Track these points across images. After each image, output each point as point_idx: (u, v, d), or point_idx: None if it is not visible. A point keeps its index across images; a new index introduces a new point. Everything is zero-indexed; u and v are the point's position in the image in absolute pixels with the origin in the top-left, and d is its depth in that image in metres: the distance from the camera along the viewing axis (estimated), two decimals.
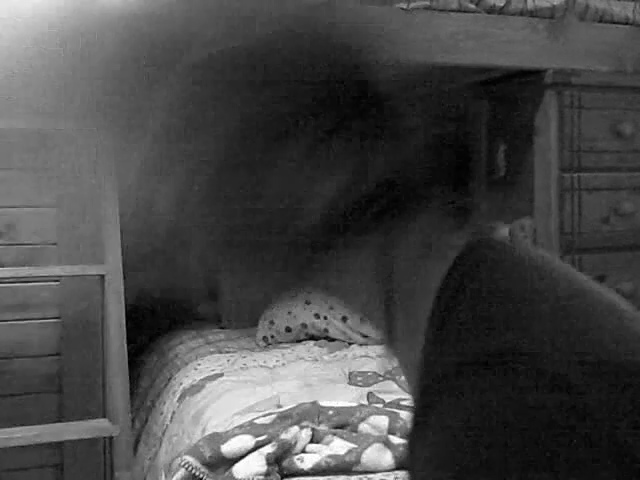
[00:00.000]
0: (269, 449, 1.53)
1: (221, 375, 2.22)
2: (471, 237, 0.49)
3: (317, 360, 2.39)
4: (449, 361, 0.43)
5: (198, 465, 1.54)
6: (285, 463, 1.53)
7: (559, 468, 0.36)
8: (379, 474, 1.50)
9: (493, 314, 0.44)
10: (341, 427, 1.67)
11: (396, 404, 1.79)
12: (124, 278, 1.99)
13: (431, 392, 0.43)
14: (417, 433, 0.44)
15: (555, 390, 0.39)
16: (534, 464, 0.37)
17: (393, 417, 1.65)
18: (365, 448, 1.53)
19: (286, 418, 1.65)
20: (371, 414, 1.69)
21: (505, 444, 0.38)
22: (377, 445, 1.54)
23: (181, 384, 2.28)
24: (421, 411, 0.43)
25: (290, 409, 1.71)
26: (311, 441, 1.62)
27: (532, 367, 0.40)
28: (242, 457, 1.54)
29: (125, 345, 1.94)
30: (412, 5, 2.24)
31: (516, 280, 0.47)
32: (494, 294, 0.45)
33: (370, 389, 2.02)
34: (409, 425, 0.45)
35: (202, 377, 2.24)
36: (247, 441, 1.57)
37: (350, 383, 2.13)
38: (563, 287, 0.47)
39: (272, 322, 2.65)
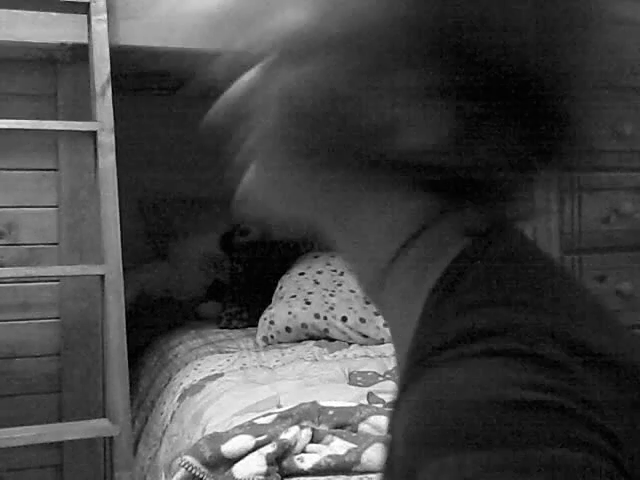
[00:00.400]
0: (269, 449, 1.53)
1: (221, 375, 2.22)
2: (487, 225, 0.50)
3: (317, 360, 2.39)
4: (443, 336, 0.44)
5: (198, 465, 1.54)
6: (285, 463, 1.53)
7: (533, 447, 0.36)
8: (379, 474, 1.49)
9: (492, 295, 0.45)
10: (341, 427, 1.67)
11: None
12: (124, 278, 1.99)
13: (419, 366, 0.43)
14: (398, 404, 0.44)
15: (545, 371, 0.39)
16: (512, 442, 0.37)
17: None
18: (365, 448, 1.53)
19: (286, 418, 1.65)
20: (371, 414, 1.69)
21: (485, 419, 0.38)
22: (377, 445, 1.54)
23: (181, 384, 2.28)
24: (405, 384, 0.44)
25: (290, 409, 1.71)
26: (311, 441, 1.62)
27: (519, 348, 0.41)
28: (242, 457, 1.54)
29: (125, 345, 1.94)
30: None
31: (518, 267, 0.48)
32: (496, 278, 0.46)
33: (370, 389, 2.02)
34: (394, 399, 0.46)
35: (202, 377, 2.24)
36: (247, 441, 1.57)
37: (350, 383, 2.13)
38: (559, 280, 0.49)
39: (272, 322, 2.65)
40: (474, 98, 0.45)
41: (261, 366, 2.33)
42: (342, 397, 1.91)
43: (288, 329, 2.63)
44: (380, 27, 0.45)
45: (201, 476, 1.53)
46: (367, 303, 2.64)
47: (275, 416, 1.68)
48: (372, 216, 0.51)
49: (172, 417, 2.18)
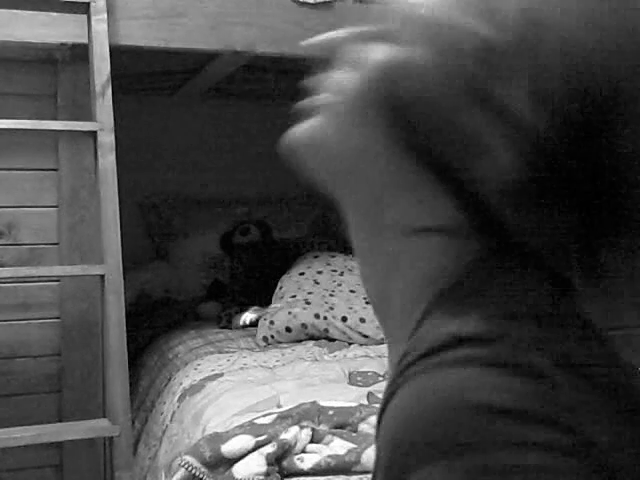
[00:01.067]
0: (269, 449, 1.53)
1: (221, 375, 2.22)
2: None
3: (317, 360, 2.39)
4: (431, 341, 0.44)
5: (198, 465, 1.54)
6: (285, 463, 1.53)
7: (510, 451, 0.37)
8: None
9: (485, 301, 0.45)
10: (341, 427, 1.67)
11: None
12: (124, 278, 1.99)
13: (407, 371, 0.43)
14: (385, 409, 0.44)
15: (529, 381, 0.39)
16: (494, 448, 0.37)
17: None
18: (365, 448, 1.53)
19: (286, 418, 1.65)
20: (371, 414, 1.69)
21: (468, 426, 0.38)
22: None
23: (181, 384, 2.28)
24: (393, 391, 0.44)
25: (290, 409, 1.71)
26: (311, 441, 1.62)
27: (506, 356, 0.41)
28: (242, 457, 1.54)
29: (125, 345, 1.94)
30: None
31: (517, 279, 0.48)
32: (492, 287, 0.47)
33: (370, 389, 2.02)
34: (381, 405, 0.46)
35: (202, 377, 2.24)
36: (247, 441, 1.57)
37: (350, 383, 2.13)
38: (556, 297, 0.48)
39: (272, 322, 2.65)
40: (562, 167, 0.45)
41: (261, 366, 2.33)
42: (342, 397, 1.91)
43: (288, 329, 2.63)
44: (515, 44, 0.44)
45: (201, 476, 1.53)
46: (367, 303, 2.64)
47: (275, 416, 1.68)
48: (408, 208, 0.51)
49: (172, 417, 2.18)
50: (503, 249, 0.49)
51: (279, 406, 1.88)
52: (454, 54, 0.46)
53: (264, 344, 2.62)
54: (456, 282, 0.48)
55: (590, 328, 0.46)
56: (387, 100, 0.49)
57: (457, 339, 0.42)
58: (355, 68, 0.51)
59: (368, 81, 0.49)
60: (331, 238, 3.32)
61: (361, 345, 2.56)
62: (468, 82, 0.45)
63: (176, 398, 2.23)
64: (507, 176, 0.45)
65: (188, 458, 1.56)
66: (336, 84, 0.52)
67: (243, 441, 1.57)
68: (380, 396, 1.92)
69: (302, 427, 1.62)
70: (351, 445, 1.57)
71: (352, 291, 2.71)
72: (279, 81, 3.02)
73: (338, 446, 1.58)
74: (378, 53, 0.49)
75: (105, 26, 1.98)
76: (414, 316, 0.49)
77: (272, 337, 2.63)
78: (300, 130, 0.54)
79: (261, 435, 1.58)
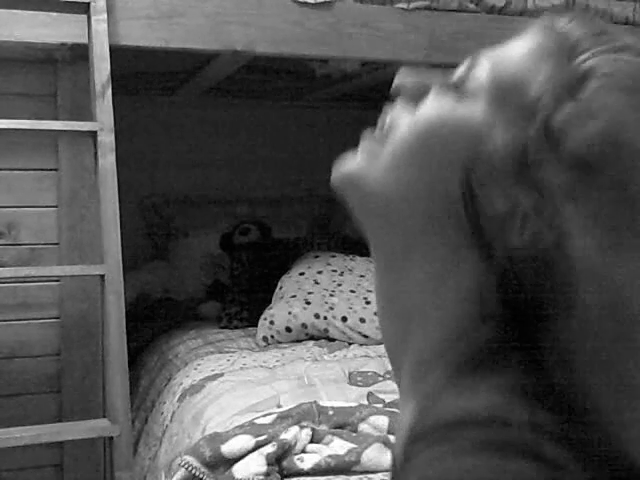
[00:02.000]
0: (269, 449, 1.53)
1: (221, 375, 2.22)
2: None
3: (317, 360, 2.39)
4: (440, 415, 0.43)
5: (198, 465, 1.54)
6: (285, 463, 1.53)
7: None
8: (379, 474, 1.50)
9: (492, 380, 0.45)
10: (341, 427, 1.67)
11: (396, 404, 1.79)
12: (124, 278, 1.98)
13: (416, 444, 0.43)
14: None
15: (539, 467, 0.39)
16: None
17: (393, 417, 1.66)
18: (365, 448, 1.53)
19: (286, 418, 1.65)
20: (371, 414, 1.69)
21: None
22: (377, 445, 1.54)
23: (181, 384, 2.28)
24: (402, 461, 0.44)
25: (290, 409, 1.71)
26: (311, 441, 1.62)
27: (514, 441, 0.40)
28: (242, 457, 1.54)
29: (125, 345, 1.93)
30: (412, 5, 2.24)
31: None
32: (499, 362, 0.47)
33: (370, 389, 2.02)
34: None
35: (202, 377, 2.24)
36: (247, 441, 1.57)
37: (350, 383, 2.13)
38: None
39: (272, 322, 2.65)
40: None
41: (261, 366, 2.33)
42: (342, 397, 1.91)
43: (288, 329, 2.63)
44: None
45: (201, 476, 1.53)
46: (367, 303, 2.64)
47: (275, 416, 1.68)
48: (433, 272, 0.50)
49: (172, 417, 2.18)
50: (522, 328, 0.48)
51: (279, 406, 1.88)
52: (514, 121, 0.46)
53: (264, 344, 2.62)
54: (472, 352, 0.47)
55: (596, 413, 0.45)
56: (434, 153, 0.49)
57: (467, 419, 0.41)
58: (417, 113, 0.50)
59: (424, 130, 0.49)
60: (331, 238, 3.32)
61: (361, 345, 2.56)
62: (516, 157, 0.45)
63: (176, 398, 2.23)
64: (533, 252, 0.45)
65: (188, 458, 1.56)
66: (397, 124, 0.51)
67: (243, 441, 1.57)
68: (380, 396, 1.92)
69: (302, 427, 1.62)
70: (351, 445, 1.57)
71: (352, 291, 2.71)
72: (279, 81, 3.02)
73: (338, 446, 1.58)
74: (440, 103, 0.49)
75: (105, 26, 1.97)
76: (428, 381, 0.48)
77: (272, 337, 2.63)
78: (349, 164, 0.53)
79: (261, 435, 1.58)
